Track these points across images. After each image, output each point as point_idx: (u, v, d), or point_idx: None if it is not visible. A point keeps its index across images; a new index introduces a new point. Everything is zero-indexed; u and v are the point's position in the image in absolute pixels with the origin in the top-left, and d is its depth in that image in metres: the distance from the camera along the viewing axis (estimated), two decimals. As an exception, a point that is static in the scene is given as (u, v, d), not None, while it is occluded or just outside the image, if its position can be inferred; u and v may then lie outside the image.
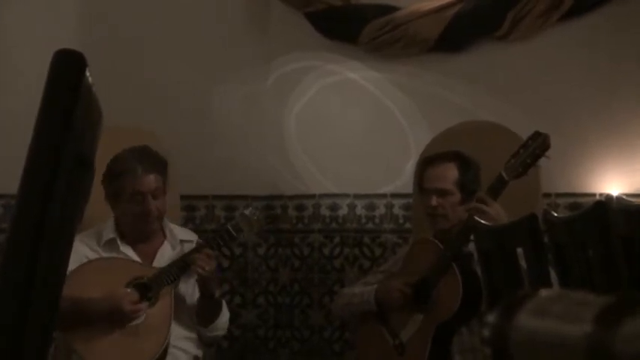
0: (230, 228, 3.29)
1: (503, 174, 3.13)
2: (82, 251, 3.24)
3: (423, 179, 3.37)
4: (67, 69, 1.11)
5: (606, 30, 4.00)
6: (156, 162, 3.28)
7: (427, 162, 3.40)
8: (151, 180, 3.23)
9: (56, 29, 4.25)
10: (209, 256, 3.18)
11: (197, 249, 3.23)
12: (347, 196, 4.26)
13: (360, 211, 4.25)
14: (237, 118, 4.32)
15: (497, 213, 3.06)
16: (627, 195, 3.82)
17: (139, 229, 3.30)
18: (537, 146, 3.13)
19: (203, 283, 3.20)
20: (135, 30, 4.38)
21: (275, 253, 4.32)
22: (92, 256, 3.26)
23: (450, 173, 3.30)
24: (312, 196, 4.29)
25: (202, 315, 3.28)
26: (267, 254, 4.32)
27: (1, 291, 1.08)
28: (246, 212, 3.35)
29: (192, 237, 3.44)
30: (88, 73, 1.13)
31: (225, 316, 3.34)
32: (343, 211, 4.27)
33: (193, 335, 3.30)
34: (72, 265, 3.09)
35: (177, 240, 3.37)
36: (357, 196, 4.25)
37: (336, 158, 4.26)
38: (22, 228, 1.09)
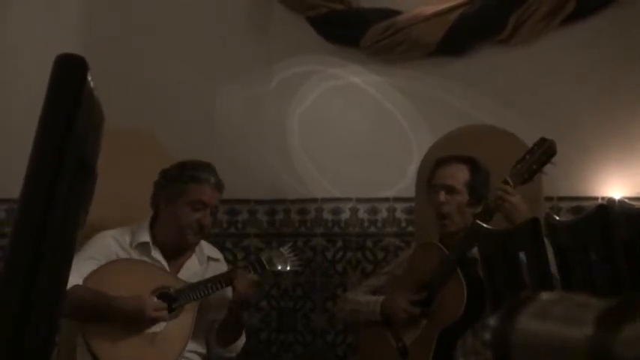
0: (264, 260, 3.32)
1: (509, 180, 3.13)
2: (113, 248, 3.25)
3: (433, 177, 3.37)
4: (69, 73, 1.11)
5: (608, 33, 4.00)
6: (222, 184, 3.34)
7: (439, 162, 3.41)
8: (216, 196, 3.29)
9: (57, 32, 4.26)
10: (254, 281, 3.21)
11: (240, 268, 3.29)
12: (349, 199, 4.26)
13: (362, 214, 4.25)
14: (239, 122, 4.33)
15: (518, 202, 3.08)
16: (629, 198, 3.81)
17: (179, 239, 3.29)
18: (543, 152, 3.13)
19: (237, 306, 3.21)
20: (136, 33, 4.39)
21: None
22: (122, 255, 3.26)
23: (460, 174, 3.31)
24: (315, 200, 4.29)
25: (224, 335, 3.30)
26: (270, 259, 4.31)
27: (2, 295, 1.08)
28: (283, 250, 3.38)
29: (219, 255, 3.47)
30: (89, 78, 1.13)
31: (242, 339, 3.38)
32: (345, 214, 4.27)
33: (204, 351, 3.31)
34: (101, 259, 3.13)
35: (204, 256, 3.38)
36: (359, 200, 4.25)
37: (338, 162, 4.26)
38: (24, 232, 1.09)
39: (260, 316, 4.31)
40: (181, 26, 4.37)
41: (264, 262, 3.30)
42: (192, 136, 4.26)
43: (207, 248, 3.44)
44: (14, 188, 1.24)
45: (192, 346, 3.25)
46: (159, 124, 4.11)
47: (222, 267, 3.41)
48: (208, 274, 3.29)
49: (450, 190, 3.29)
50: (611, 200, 3.83)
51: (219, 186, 3.31)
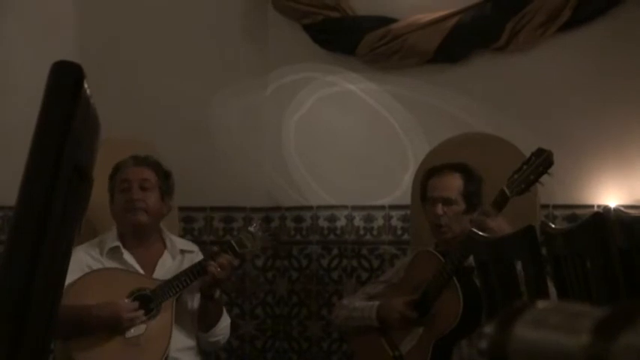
0: (233, 243, 3.30)
1: (506, 190, 3.11)
2: (84, 261, 3.25)
3: (427, 188, 3.37)
4: (65, 80, 1.11)
5: (603, 42, 4.00)
6: (151, 161, 3.37)
7: (433, 171, 3.40)
8: (139, 170, 3.31)
9: (54, 41, 4.26)
10: (229, 260, 3.22)
11: (212, 255, 3.27)
12: (345, 207, 4.26)
13: (358, 222, 4.25)
14: (235, 130, 4.33)
15: (499, 227, 3.04)
16: (625, 206, 3.82)
17: (126, 225, 3.30)
18: (540, 163, 3.11)
19: (210, 285, 3.21)
20: (133, 42, 4.39)
21: (273, 264, 4.32)
22: (95, 265, 3.27)
23: (455, 183, 3.31)
24: (310, 208, 4.29)
25: (203, 319, 3.30)
26: (265, 266, 4.32)
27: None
28: (251, 229, 3.37)
29: (193, 247, 3.46)
30: (86, 85, 1.13)
31: (225, 321, 3.36)
32: (341, 222, 4.27)
33: (193, 344, 3.31)
34: (74, 274, 3.12)
35: (177, 250, 3.38)
36: (355, 208, 4.25)
37: (334, 170, 4.26)
38: (20, 239, 1.09)
39: (255, 323, 4.30)
40: (177, 34, 4.37)
41: (234, 245, 3.29)
42: (189, 144, 4.26)
43: (179, 242, 3.45)
44: (10, 195, 1.24)
45: (181, 342, 3.25)
46: (155, 132, 4.11)
47: (196, 257, 3.40)
48: (185, 266, 3.29)
49: (447, 202, 3.29)
50: (606, 208, 3.83)
51: (138, 160, 3.34)
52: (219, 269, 3.18)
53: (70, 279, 3.13)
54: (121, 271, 3.27)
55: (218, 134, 4.31)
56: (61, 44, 4.25)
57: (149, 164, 3.35)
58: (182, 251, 3.39)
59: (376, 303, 3.37)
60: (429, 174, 3.41)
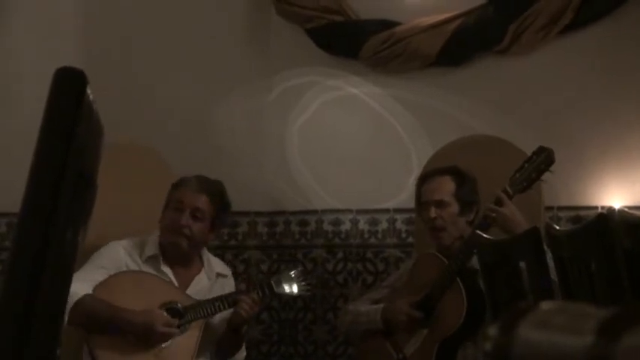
0: (272, 283, 3.33)
1: (508, 189, 3.13)
2: (123, 258, 3.26)
3: (420, 194, 3.39)
4: (69, 86, 1.11)
5: (605, 44, 4.00)
6: (213, 188, 3.35)
7: (424, 177, 3.43)
8: (196, 197, 3.29)
9: (56, 45, 4.27)
10: (255, 301, 3.24)
11: (246, 291, 3.31)
12: (350, 211, 4.26)
13: (362, 226, 4.25)
14: (238, 134, 4.33)
15: (512, 213, 3.08)
16: (629, 207, 3.81)
17: (167, 242, 3.31)
18: (542, 161, 3.13)
19: (238, 322, 3.24)
20: (135, 46, 4.39)
21: (278, 268, 4.32)
22: (132, 266, 3.28)
23: (445, 185, 3.32)
24: (315, 212, 4.29)
25: (224, 348, 3.33)
26: (270, 270, 4.32)
27: (4, 309, 1.08)
28: (292, 273, 3.39)
29: (227, 271, 3.50)
30: (89, 90, 1.13)
31: (242, 353, 3.41)
32: (346, 226, 4.27)
33: None
34: (111, 269, 3.14)
35: (213, 272, 3.40)
36: (359, 212, 4.25)
37: (338, 173, 4.26)
38: (25, 246, 1.09)
39: (261, 328, 4.30)
40: (180, 39, 4.38)
41: (273, 285, 3.31)
42: (193, 149, 4.27)
43: (216, 265, 3.46)
44: (14, 201, 1.24)
45: None
46: (159, 137, 4.12)
47: (229, 283, 3.44)
48: (215, 290, 3.31)
49: (439, 205, 3.30)
50: (610, 209, 3.83)
51: (201, 188, 3.32)
52: (249, 307, 3.20)
53: (106, 273, 3.16)
54: (158, 279, 3.27)
55: (222, 138, 4.32)
56: (63, 48, 4.25)
57: (209, 193, 3.32)
58: (218, 274, 3.41)
59: (381, 306, 3.38)
60: (420, 181, 3.43)
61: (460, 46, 4.09)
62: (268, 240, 4.32)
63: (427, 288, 3.23)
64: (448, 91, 4.14)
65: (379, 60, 4.17)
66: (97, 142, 1.28)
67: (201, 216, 3.28)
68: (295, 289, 3.38)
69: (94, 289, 3.10)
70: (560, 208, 3.99)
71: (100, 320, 3.07)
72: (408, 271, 3.44)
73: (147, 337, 3.11)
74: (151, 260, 3.30)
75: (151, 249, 3.31)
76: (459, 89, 4.13)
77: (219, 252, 4.10)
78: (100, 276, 3.15)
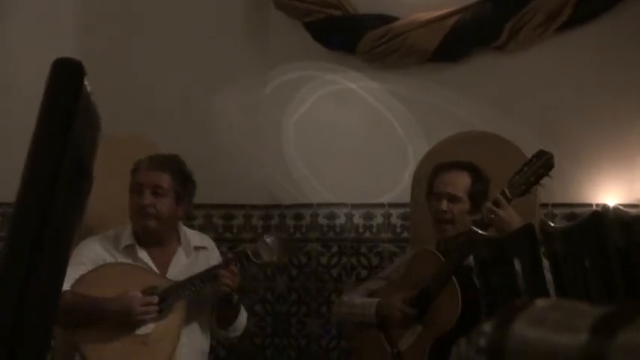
0: (249, 252, 3.30)
1: (507, 191, 3.13)
2: (100, 253, 3.26)
3: (434, 183, 3.37)
4: (66, 77, 1.11)
5: (604, 40, 4.00)
6: (168, 163, 3.33)
7: (441, 167, 3.39)
8: (153, 174, 3.28)
9: (55, 40, 4.26)
10: (234, 273, 3.21)
11: (223, 265, 3.25)
12: (345, 205, 4.26)
13: (357, 220, 4.25)
14: (235, 127, 4.33)
15: (509, 216, 3.07)
16: (624, 205, 3.82)
17: (137, 228, 3.31)
18: (541, 165, 3.13)
19: (224, 296, 3.24)
20: (134, 40, 4.39)
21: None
22: (110, 259, 3.28)
23: (462, 181, 3.31)
24: (310, 206, 4.29)
25: (221, 319, 3.33)
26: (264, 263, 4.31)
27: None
28: (268, 240, 3.36)
29: (207, 243, 3.46)
30: (86, 82, 1.13)
31: (243, 315, 3.38)
32: (341, 220, 4.27)
33: (205, 348, 3.33)
34: (89, 265, 3.13)
35: (191, 247, 3.37)
36: (354, 206, 4.25)
37: (334, 167, 4.26)
38: (20, 236, 1.09)
39: (255, 320, 4.30)
40: (178, 32, 4.37)
41: (250, 255, 3.29)
42: (188, 141, 4.25)
43: (193, 239, 3.43)
44: (10, 191, 1.24)
45: (193, 345, 3.26)
46: (155, 130, 4.11)
47: (213, 255, 3.41)
48: (200, 265, 3.29)
49: (452, 199, 3.29)
50: (605, 207, 3.83)
51: (155, 165, 3.30)
52: (230, 280, 3.18)
53: (85, 269, 3.15)
54: (136, 267, 3.27)
55: (218, 132, 4.31)
56: (61, 42, 4.25)
57: (165, 168, 3.30)
58: (196, 248, 3.39)
59: (375, 300, 3.38)
60: (437, 170, 3.40)
61: (458, 42, 4.09)
62: (263, 233, 4.32)
63: (423, 284, 3.23)
64: (445, 87, 4.14)
65: (376, 55, 4.17)
66: (94, 134, 1.28)
67: (162, 192, 3.27)
68: (274, 256, 3.35)
69: (73, 286, 3.10)
70: (555, 205, 3.99)
71: (82, 315, 3.07)
72: (406, 265, 3.44)
73: (128, 321, 3.11)
74: (127, 250, 3.30)
75: (127, 239, 3.31)
76: (456, 85, 4.13)
77: (215, 244, 4.10)
78: (78, 273, 3.14)
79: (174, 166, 3.33)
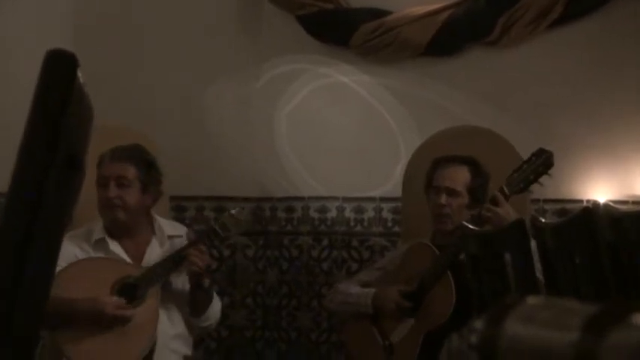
0: (217, 227, 3.29)
1: (505, 189, 3.13)
2: (71, 250, 3.23)
3: (433, 177, 3.36)
4: (59, 68, 1.11)
5: (595, 37, 4.02)
6: (130, 153, 3.29)
7: (441, 161, 3.38)
8: (115, 166, 3.25)
9: (48, 31, 4.24)
10: (202, 251, 3.20)
11: (190, 244, 3.23)
12: (336, 198, 4.26)
13: (348, 213, 4.26)
14: (227, 120, 4.32)
15: (507, 213, 3.08)
16: (614, 201, 3.83)
17: (106, 221, 3.29)
18: (541, 163, 3.12)
19: (195, 277, 3.21)
20: (127, 32, 4.37)
21: (263, 254, 4.32)
22: (82, 255, 3.26)
23: (462, 175, 3.30)
24: (302, 199, 4.29)
25: (194, 306, 3.29)
26: (255, 256, 4.32)
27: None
28: (233, 212, 3.35)
29: (181, 231, 3.43)
30: (79, 73, 1.13)
31: (216, 305, 3.34)
32: (332, 213, 4.27)
33: (183, 332, 3.30)
34: (61, 263, 3.09)
35: (165, 236, 3.36)
36: (346, 199, 4.26)
37: (326, 161, 4.26)
38: (11, 228, 1.09)
39: (245, 313, 4.31)
40: (171, 25, 4.36)
41: (219, 231, 3.29)
42: (181, 134, 4.25)
43: (166, 226, 3.41)
44: (2, 182, 1.24)
45: (171, 330, 3.24)
46: (147, 122, 4.10)
47: (184, 242, 3.37)
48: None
49: (451, 193, 3.29)
50: (595, 203, 3.84)
51: (116, 156, 3.27)
52: (198, 259, 3.17)
53: (59, 268, 3.13)
54: (106, 260, 3.25)
55: (210, 124, 4.31)
56: (55, 33, 4.23)
57: (127, 158, 3.27)
58: (170, 237, 3.37)
59: (372, 290, 3.38)
60: (436, 163, 3.39)
61: (450, 37, 4.09)
62: (255, 226, 4.32)
63: (418, 278, 3.24)
64: (438, 81, 4.14)
65: (369, 49, 4.17)
66: (87, 125, 1.28)
67: (127, 183, 3.24)
68: (241, 227, 3.34)
69: None
70: (546, 201, 4.00)
71: (54, 316, 3.05)
72: (401, 257, 3.44)
73: (100, 322, 3.11)
74: (99, 244, 3.29)
75: (98, 233, 3.30)
76: (449, 79, 4.13)
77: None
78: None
79: (137, 155, 3.30)
